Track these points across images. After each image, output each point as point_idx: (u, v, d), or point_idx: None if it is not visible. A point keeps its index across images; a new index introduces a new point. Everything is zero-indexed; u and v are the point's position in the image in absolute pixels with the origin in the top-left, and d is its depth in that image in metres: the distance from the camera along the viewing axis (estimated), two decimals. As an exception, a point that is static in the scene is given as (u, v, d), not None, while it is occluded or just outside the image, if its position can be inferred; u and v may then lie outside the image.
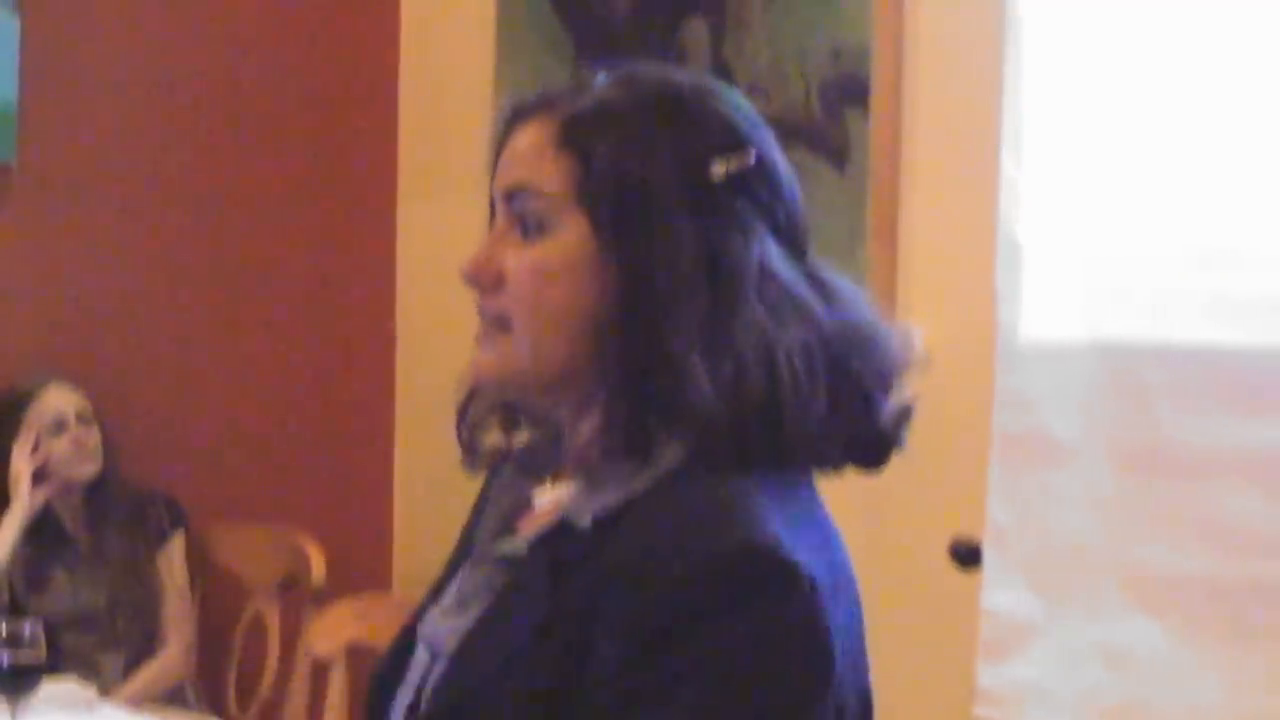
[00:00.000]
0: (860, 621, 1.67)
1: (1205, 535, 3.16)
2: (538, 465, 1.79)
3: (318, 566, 4.31)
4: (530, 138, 1.72)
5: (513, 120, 1.76)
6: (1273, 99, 3.11)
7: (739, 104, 1.74)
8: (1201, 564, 3.16)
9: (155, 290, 4.81)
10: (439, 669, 1.72)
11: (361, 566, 4.85)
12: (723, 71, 4.06)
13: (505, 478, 1.84)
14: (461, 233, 4.81)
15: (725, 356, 1.61)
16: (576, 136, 1.68)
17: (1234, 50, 3.16)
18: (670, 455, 1.63)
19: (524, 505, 1.78)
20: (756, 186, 1.68)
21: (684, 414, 1.61)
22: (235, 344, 4.93)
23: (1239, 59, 3.15)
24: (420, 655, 1.79)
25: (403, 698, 1.78)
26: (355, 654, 3.80)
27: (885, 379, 1.69)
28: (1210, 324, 3.17)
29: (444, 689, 1.70)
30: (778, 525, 1.57)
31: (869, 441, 1.70)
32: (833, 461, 1.70)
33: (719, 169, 1.66)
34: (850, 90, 3.78)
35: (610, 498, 1.64)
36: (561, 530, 1.66)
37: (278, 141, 4.96)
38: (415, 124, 5.09)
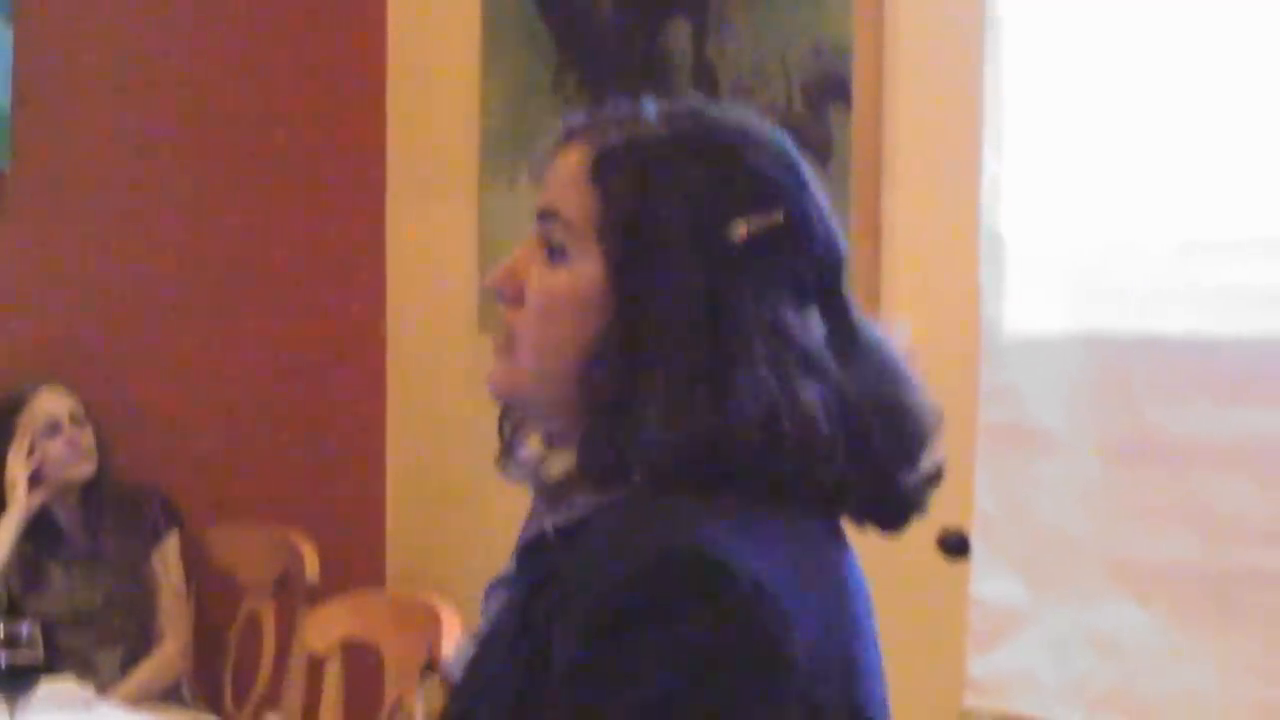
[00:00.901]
0: (858, 642, 1.66)
1: (1191, 523, 3.17)
2: (549, 496, 1.77)
3: (312, 565, 4.31)
4: (569, 162, 1.71)
5: (565, 138, 1.74)
6: (1252, 92, 3.13)
7: (786, 159, 1.71)
8: (1187, 552, 3.17)
9: (148, 293, 4.82)
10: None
11: (355, 564, 4.86)
12: (705, 71, 4.07)
13: (531, 509, 1.83)
14: (450, 233, 4.86)
15: (720, 397, 1.60)
16: (604, 172, 1.67)
17: (1213, 44, 3.17)
18: (637, 476, 1.62)
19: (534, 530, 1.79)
20: (781, 246, 1.66)
21: (637, 453, 1.61)
22: (228, 345, 4.94)
23: (1218, 53, 3.16)
24: None
25: None
26: (350, 651, 3.81)
27: (908, 445, 1.68)
28: (1193, 315, 3.19)
29: (453, 710, 1.72)
30: (720, 533, 1.57)
31: (888, 505, 1.69)
32: (849, 510, 1.69)
33: (740, 229, 1.64)
34: (832, 88, 3.79)
35: (573, 512, 1.65)
36: (538, 546, 1.69)
37: (268, 144, 4.97)
38: (403, 126, 5.10)
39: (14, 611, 4.13)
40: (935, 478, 1.70)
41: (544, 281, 1.69)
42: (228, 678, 4.51)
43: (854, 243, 3.75)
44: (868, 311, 1.74)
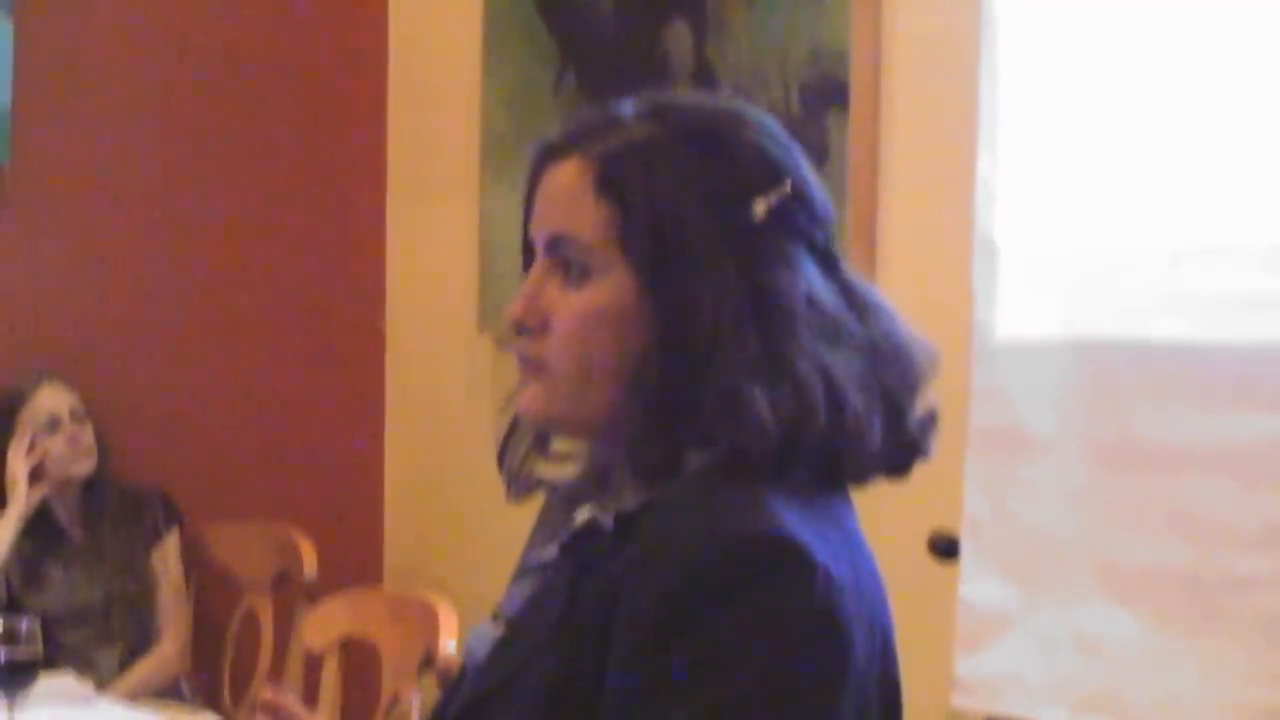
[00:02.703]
0: (888, 636, 1.67)
1: (1178, 527, 3.18)
2: (580, 498, 1.77)
3: (310, 562, 4.33)
4: (566, 180, 1.70)
5: (545, 158, 1.73)
6: (1244, 100, 3.14)
7: (771, 129, 1.71)
8: (1174, 555, 3.18)
9: (148, 291, 4.83)
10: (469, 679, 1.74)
11: (353, 562, 4.87)
12: (705, 73, 4.09)
13: (554, 503, 1.83)
14: (450, 234, 4.87)
15: (786, 386, 1.60)
16: (614, 180, 1.65)
17: (1207, 51, 3.17)
18: (693, 465, 1.62)
19: (568, 524, 1.76)
20: (796, 214, 1.67)
21: (741, 441, 1.60)
22: (228, 344, 4.95)
23: (1212, 60, 3.17)
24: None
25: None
26: (347, 648, 3.83)
27: (913, 389, 1.68)
28: (1182, 321, 3.19)
29: (467, 693, 1.71)
30: (794, 520, 1.57)
31: (898, 450, 1.69)
32: (872, 474, 1.70)
33: (760, 207, 1.65)
34: (829, 91, 3.80)
35: (632, 500, 1.63)
36: (587, 534, 1.66)
37: (270, 143, 4.98)
38: (404, 127, 5.11)
39: (13, 608, 4.13)
40: (933, 418, 1.71)
41: (573, 304, 1.67)
42: (226, 675, 4.52)
43: (849, 245, 3.78)
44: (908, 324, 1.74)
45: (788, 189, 1.66)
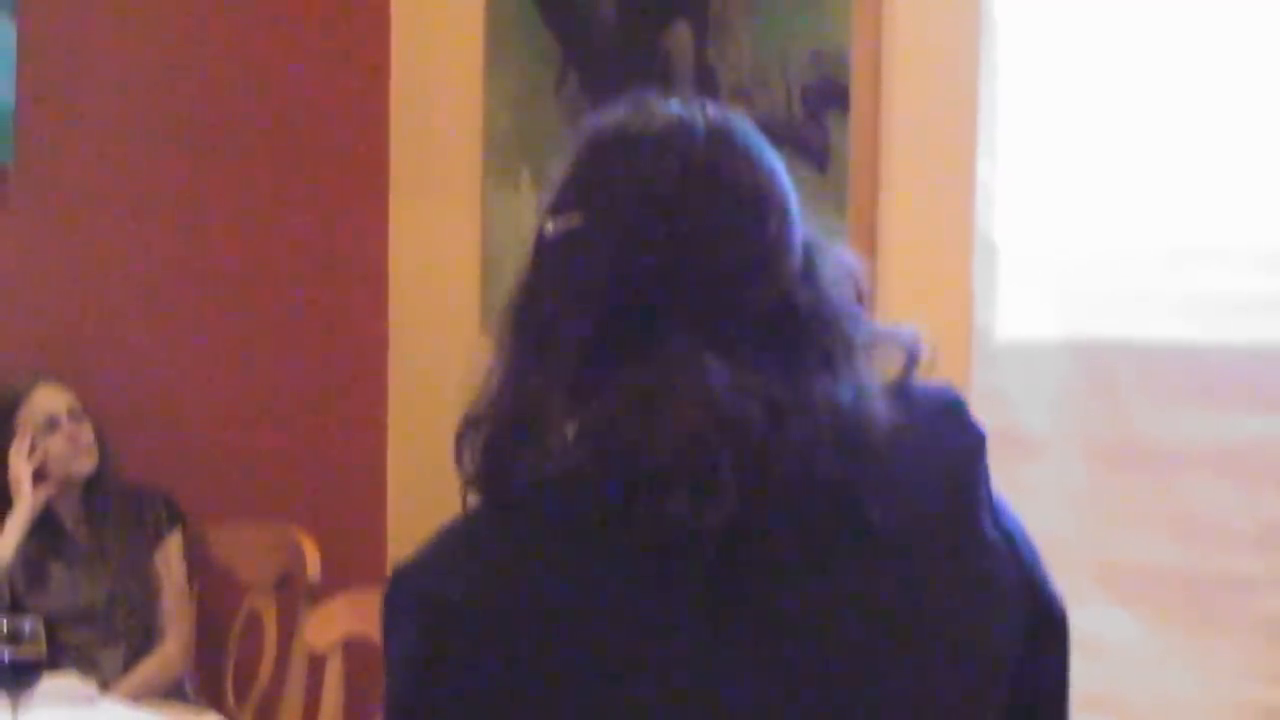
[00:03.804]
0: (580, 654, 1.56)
1: (1176, 528, 3.19)
2: None
3: (313, 562, 4.32)
4: None
5: None
6: (1243, 101, 3.15)
7: (630, 163, 1.62)
8: (1172, 556, 3.19)
9: (151, 291, 4.84)
10: None
11: (356, 562, 4.86)
12: (706, 74, 4.10)
13: None
14: (452, 234, 4.88)
15: (484, 401, 1.65)
16: None
17: (1206, 53, 3.19)
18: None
19: None
20: (576, 249, 1.60)
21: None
22: (231, 344, 4.95)
23: (1211, 62, 3.18)
24: None
25: None
26: (351, 648, 3.83)
27: (645, 476, 1.54)
28: (1180, 322, 3.21)
29: None
30: (435, 555, 1.63)
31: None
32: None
33: (549, 225, 1.62)
34: (830, 94, 3.81)
35: None
36: None
37: (272, 144, 4.98)
38: (406, 127, 5.11)
39: (17, 608, 4.13)
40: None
41: None
42: (229, 675, 4.52)
43: (850, 246, 3.78)
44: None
45: (575, 221, 1.61)
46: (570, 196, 1.63)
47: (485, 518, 1.64)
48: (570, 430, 1.61)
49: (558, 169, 1.65)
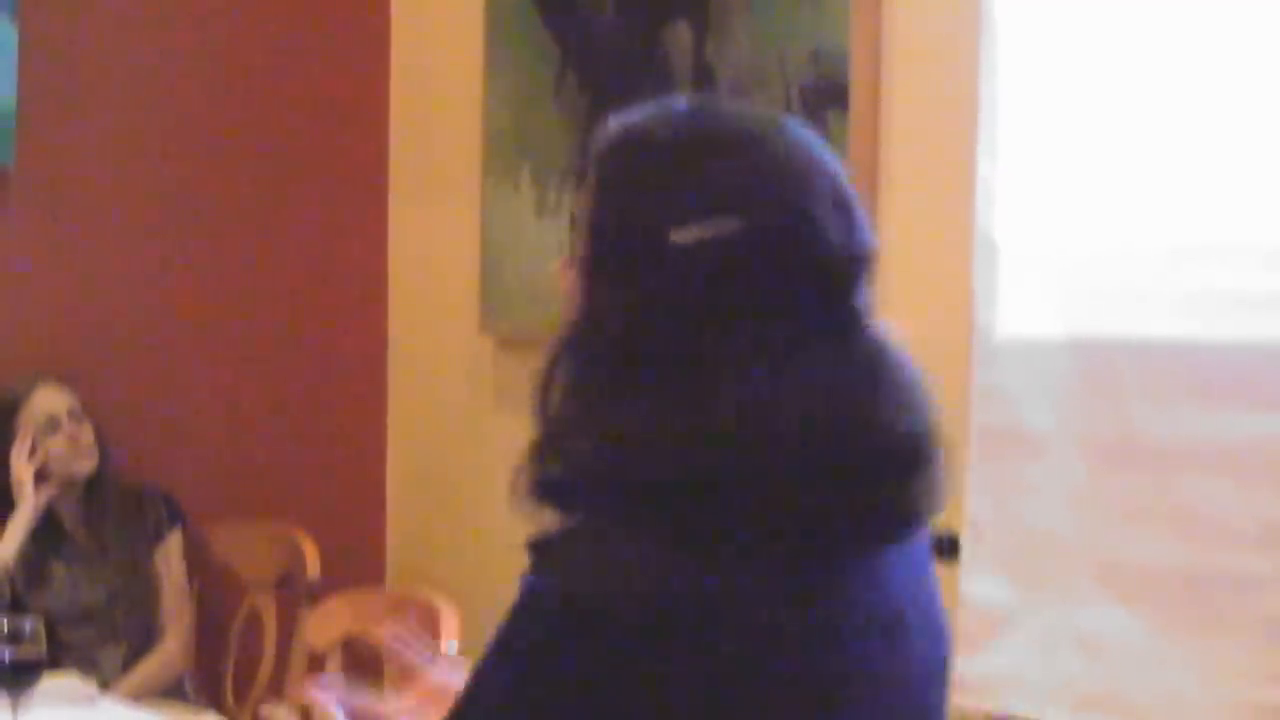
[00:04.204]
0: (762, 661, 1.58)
1: (1177, 526, 3.18)
2: None
3: (313, 562, 4.32)
4: None
5: None
6: (1243, 99, 3.14)
7: (762, 160, 1.60)
8: (1173, 554, 3.18)
9: (152, 291, 4.84)
10: None
11: (355, 562, 4.88)
12: (705, 74, 4.10)
13: None
14: (452, 234, 4.88)
15: (613, 428, 1.56)
16: (590, 171, 1.65)
17: (1205, 51, 3.18)
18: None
19: None
20: (729, 256, 1.57)
21: (576, 466, 1.59)
22: (231, 345, 4.95)
23: (1210, 59, 3.18)
24: None
25: None
26: (350, 648, 3.83)
27: (821, 479, 1.56)
28: (1181, 320, 3.20)
29: None
30: (587, 571, 1.55)
31: (846, 521, 1.60)
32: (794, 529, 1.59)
33: (680, 235, 1.56)
34: (829, 93, 3.80)
35: (543, 530, 1.61)
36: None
37: (271, 145, 4.98)
38: (406, 127, 5.12)
39: (17, 608, 4.13)
40: (924, 493, 1.62)
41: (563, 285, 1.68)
42: (229, 674, 4.53)
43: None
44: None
45: (717, 230, 1.57)
46: (706, 201, 1.58)
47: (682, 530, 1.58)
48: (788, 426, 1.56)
49: (651, 176, 1.60)
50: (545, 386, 1.62)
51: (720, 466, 1.53)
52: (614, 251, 1.60)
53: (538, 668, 1.56)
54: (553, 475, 1.59)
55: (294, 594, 4.36)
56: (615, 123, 1.66)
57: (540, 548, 1.60)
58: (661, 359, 1.56)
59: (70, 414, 4.41)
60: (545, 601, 1.56)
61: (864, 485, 1.58)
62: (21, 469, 4.32)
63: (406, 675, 1.83)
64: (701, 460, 1.54)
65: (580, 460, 1.58)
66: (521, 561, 1.63)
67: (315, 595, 4.23)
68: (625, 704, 1.54)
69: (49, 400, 4.41)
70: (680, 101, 1.68)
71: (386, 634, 1.83)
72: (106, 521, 4.45)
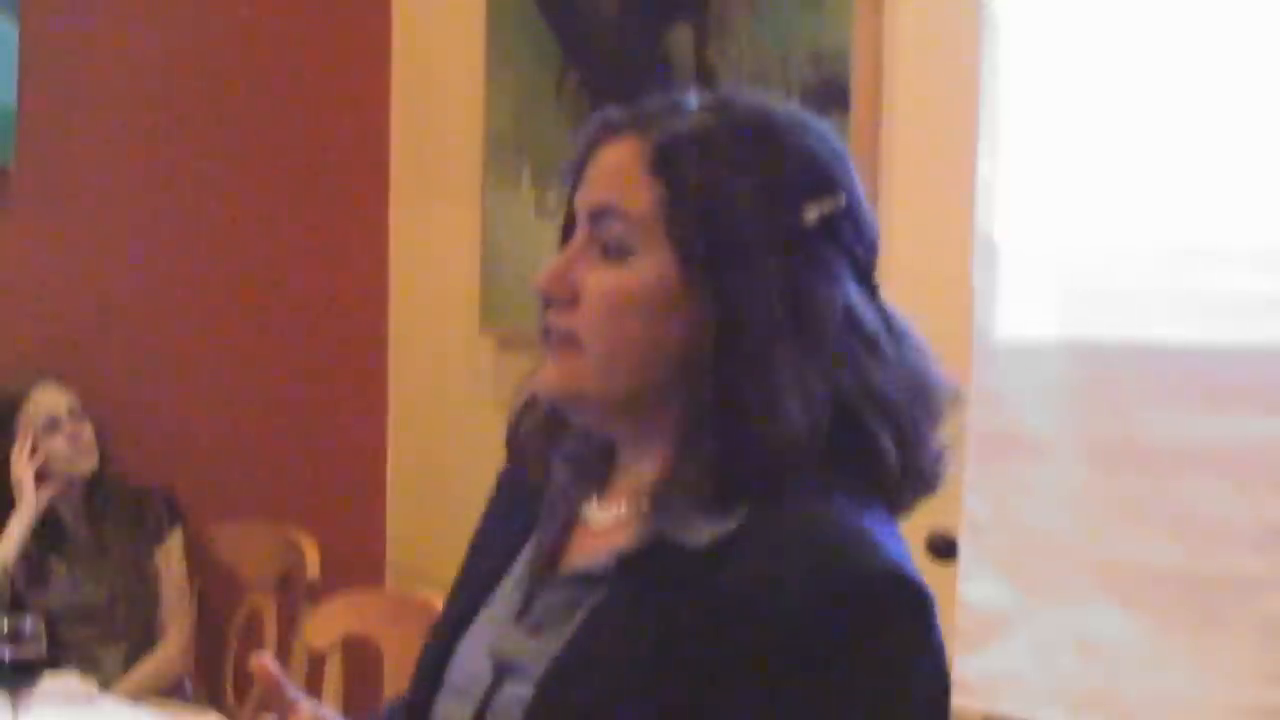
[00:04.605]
0: None
1: (1176, 528, 3.18)
2: (585, 476, 1.75)
3: (313, 562, 4.32)
4: (620, 156, 1.67)
5: (601, 134, 1.70)
6: (1246, 100, 3.14)
7: (830, 140, 1.68)
8: (1172, 556, 3.18)
9: (151, 291, 4.84)
10: (518, 691, 1.66)
11: (355, 561, 4.88)
12: (707, 75, 4.09)
13: (552, 493, 1.78)
14: (453, 234, 4.88)
15: (812, 399, 1.58)
16: (669, 162, 1.63)
17: (1207, 52, 3.18)
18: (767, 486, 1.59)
19: (573, 521, 1.75)
20: (844, 229, 1.64)
21: (777, 452, 1.57)
22: (231, 344, 4.96)
23: (1212, 61, 3.17)
24: (474, 668, 1.74)
25: (455, 710, 1.73)
26: (350, 647, 3.84)
27: (933, 424, 1.67)
28: (1181, 323, 3.19)
29: (540, 715, 1.63)
30: (900, 552, 1.56)
31: (910, 484, 1.66)
32: (905, 501, 1.67)
33: (811, 213, 1.62)
34: (831, 93, 3.80)
35: (718, 523, 1.58)
36: (656, 552, 1.61)
37: (272, 145, 4.99)
38: (407, 127, 5.12)
39: (17, 607, 4.13)
40: (944, 456, 1.69)
41: (608, 280, 1.64)
42: (229, 674, 4.53)
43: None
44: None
45: (841, 201, 1.64)
46: (815, 179, 1.64)
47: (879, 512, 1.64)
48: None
49: (762, 163, 1.63)
50: (682, 391, 1.63)
51: (885, 434, 1.62)
52: (740, 238, 1.61)
53: (926, 665, 1.57)
54: (756, 461, 1.59)
55: (294, 594, 4.36)
56: (679, 121, 1.66)
57: (732, 545, 1.58)
58: (819, 336, 1.61)
59: (70, 413, 4.42)
60: (877, 589, 1.55)
61: (925, 444, 1.67)
62: (22, 468, 4.32)
63: (287, 707, 1.79)
64: (879, 428, 1.62)
65: (787, 440, 1.59)
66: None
67: (315, 595, 4.24)
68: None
69: (49, 399, 4.41)
70: (705, 94, 1.71)
71: (269, 663, 1.79)
72: (107, 521, 4.46)
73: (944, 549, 3.45)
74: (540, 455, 1.79)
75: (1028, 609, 3.38)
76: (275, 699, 1.75)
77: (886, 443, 1.61)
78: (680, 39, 4.18)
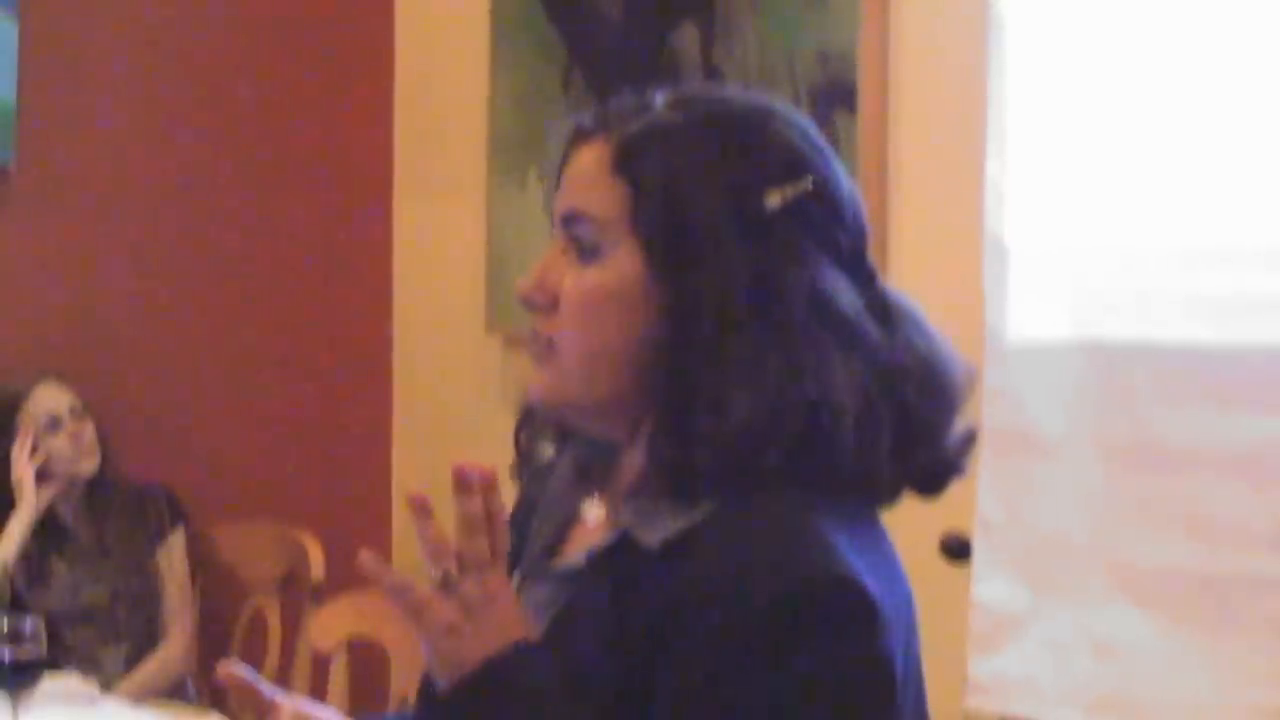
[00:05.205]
0: (916, 647, 1.66)
1: (1189, 528, 3.18)
2: (595, 469, 1.77)
3: (317, 563, 4.33)
4: (587, 160, 1.69)
5: (574, 139, 1.73)
6: (1254, 99, 3.14)
7: (800, 126, 1.69)
8: (1186, 556, 3.18)
9: (154, 290, 4.84)
10: None
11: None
12: (712, 75, 4.09)
13: (555, 490, 1.81)
14: (457, 234, 4.88)
15: (772, 389, 1.57)
16: (630, 161, 1.65)
17: (1216, 51, 3.18)
18: (724, 482, 1.59)
19: (573, 518, 1.77)
20: (814, 214, 1.64)
21: (725, 447, 1.57)
22: (235, 343, 4.96)
23: (1221, 60, 3.17)
24: None
25: None
26: (355, 648, 3.83)
27: (948, 408, 1.67)
28: (1193, 322, 3.19)
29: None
30: (848, 553, 1.55)
31: (929, 470, 1.68)
32: (892, 492, 1.67)
33: (774, 198, 1.62)
34: (837, 93, 3.80)
35: (678, 522, 1.59)
36: (621, 548, 1.64)
37: (275, 143, 4.99)
38: (411, 126, 5.12)
39: (18, 607, 4.13)
40: (970, 438, 1.70)
41: (579, 283, 1.67)
42: (232, 675, 4.52)
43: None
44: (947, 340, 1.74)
45: (807, 185, 1.64)
46: (782, 164, 1.65)
47: (858, 511, 1.65)
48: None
49: (724, 151, 1.64)
50: (645, 382, 1.63)
51: (859, 422, 1.60)
52: (704, 230, 1.62)
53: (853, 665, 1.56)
54: (706, 458, 1.58)
55: (298, 594, 4.37)
56: (641, 120, 1.68)
57: (687, 543, 1.59)
58: (783, 322, 1.60)
59: (71, 412, 4.41)
60: (819, 592, 1.54)
61: (940, 426, 1.68)
62: (23, 468, 4.32)
63: (266, 708, 1.79)
64: (847, 418, 1.59)
65: (734, 434, 1.58)
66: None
67: (319, 596, 4.24)
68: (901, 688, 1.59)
69: (50, 399, 4.40)
70: (669, 90, 1.73)
71: (235, 669, 1.79)
72: (108, 520, 4.45)
73: (958, 550, 3.45)
74: (543, 454, 1.83)
75: (1042, 610, 3.37)
76: (252, 702, 1.76)
77: (846, 434, 1.59)
78: (686, 39, 4.18)
